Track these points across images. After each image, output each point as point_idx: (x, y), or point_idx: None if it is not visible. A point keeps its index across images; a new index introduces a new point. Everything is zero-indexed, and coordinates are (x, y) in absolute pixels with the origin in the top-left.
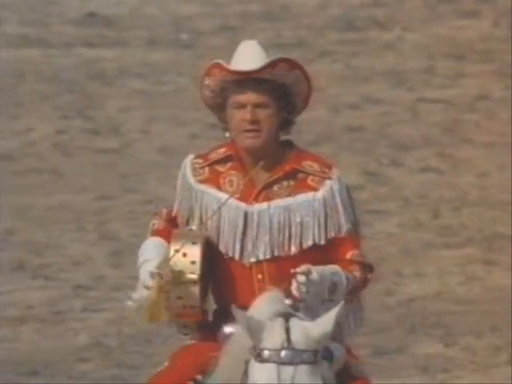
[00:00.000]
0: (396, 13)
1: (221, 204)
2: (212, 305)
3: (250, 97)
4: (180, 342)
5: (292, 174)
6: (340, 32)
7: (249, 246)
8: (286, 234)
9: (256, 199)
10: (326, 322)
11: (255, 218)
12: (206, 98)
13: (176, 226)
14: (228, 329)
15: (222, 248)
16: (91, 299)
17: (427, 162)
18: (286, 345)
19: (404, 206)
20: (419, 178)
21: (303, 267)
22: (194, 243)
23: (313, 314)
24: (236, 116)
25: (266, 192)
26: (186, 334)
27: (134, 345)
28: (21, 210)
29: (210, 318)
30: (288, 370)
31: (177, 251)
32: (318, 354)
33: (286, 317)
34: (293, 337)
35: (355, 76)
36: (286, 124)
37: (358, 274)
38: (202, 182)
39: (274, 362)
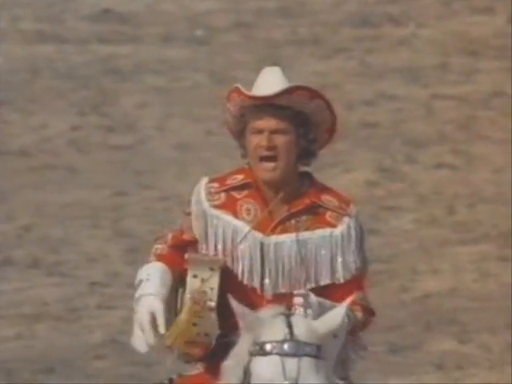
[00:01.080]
0: (410, 9)
1: (242, 238)
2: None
3: (267, 122)
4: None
5: (311, 208)
6: (355, 28)
7: (267, 279)
8: (303, 270)
9: (273, 231)
10: (331, 318)
11: (272, 249)
12: (228, 123)
13: (182, 251)
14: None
15: (239, 277)
16: (106, 296)
17: (442, 159)
18: (288, 337)
19: (419, 202)
20: (434, 175)
21: (301, 290)
22: (211, 269)
23: None
24: (253, 142)
25: (283, 224)
26: (187, 362)
27: None
28: (36, 206)
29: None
30: (292, 362)
31: (195, 277)
32: (321, 349)
33: (288, 315)
34: (295, 330)
35: (370, 72)
36: (305, 155)
37: (359, 314)
38: (217, 207)
39: (277, 353)
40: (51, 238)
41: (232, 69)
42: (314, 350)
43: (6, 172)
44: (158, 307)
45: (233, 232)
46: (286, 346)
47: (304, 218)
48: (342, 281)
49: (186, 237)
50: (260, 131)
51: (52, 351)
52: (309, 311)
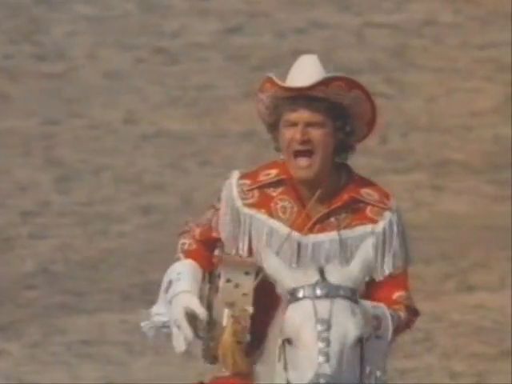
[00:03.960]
0: None
1: (284, 240)
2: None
3: (301, 115)
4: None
5: (350, 204)
6: None
7: None
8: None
9: (311, 230)
10: (361, 254)
11: (309, 250)
12: (261, 114)
13: (210, 247)
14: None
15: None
16: (38, 226)
17: (374, 87)
18: (320, 280)
19: None
20: None
21: None
22: (246, 273)
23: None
24: (286, 135)
25: (322, 223)
26: (211, 363)
27: (81, 271)
28: None
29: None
30: (324, 304)
31: (228, 281)
32: (356, 294)
33: (321, 264)
34: (327, 274)
35: (301, 0)
36: (343, 148)
37: (402, 314)
38: (250, 205)
39: (308, 297)
40: None
41: None
42: (348, 292)
43: None
44: (194, 301)
45: (268, 232)
46: (317, 289)
47: (343, 214)
48: (381, 278)
49: (215, 234)
50: (294, 124)
51: None
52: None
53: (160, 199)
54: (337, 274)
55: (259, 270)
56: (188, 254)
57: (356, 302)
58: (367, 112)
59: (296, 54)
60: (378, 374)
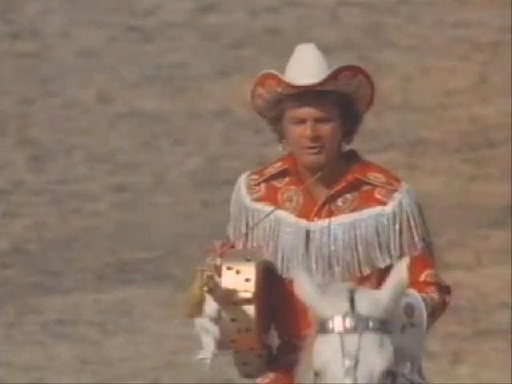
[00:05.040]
0: None
1: (264, 216)
2: (276, 340)
3: (310, 111)
4: None
5: (356, 186)
6: None
7: (313, 269)
8: (355, 254)
9: (318, 215)
10: (394, 279)
11: (317, 236)
12: (258, 108)
13: None
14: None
15: (282, 271)
16: (11, 204)
17: None
18: (350, 311)
19: None
20: None
21: (347, 284)
22: (247, 260)
23: (395, 344)
24: (295, 132)
25: (328, 206)
26: (248, 377)
27: (55, 250)
28: None
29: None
30: (353, 339)
31: (229, 269)
32: (387, 323)
33: (352, 290)
34: (358, 304)
35: None
36: (347, 133)
37: (435, 295)
38: (257, 199)
39: (338, 331)
40: None
41: None
42: (377, 324)
43: None
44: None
45: (275, 223)
46: (346, 322)
47: (349, 197)
48: (397, 261)
49: (236, 245)
50: (302, 120)
51: None
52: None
53: (133, 178)
54: (367, 303)
55: (266, 261)
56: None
57: (386, 332)
58: (368, 94)
59: (269, 32)
60: (418, 362)
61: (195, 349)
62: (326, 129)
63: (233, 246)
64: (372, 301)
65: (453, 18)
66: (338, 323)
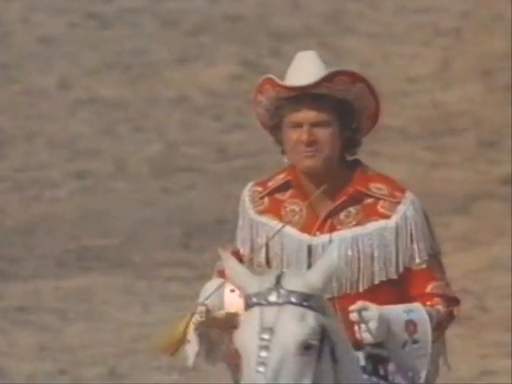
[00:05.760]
0: None
1: (273, 234)
2: None
3: (306, 115)
4: None
5: (358, 198)
6: None
7: None
8: (355, 269)
9: (320, 229)
10: (323, 261)
11: (320, 251)
12: (260, 117)
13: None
14: None
15: None
16: None
17: None
18: (274, 287)
19: None
20: None
21: (357, 304)
22: None
23: (397, 361)
24: (291, 137)
25: (331, 221)
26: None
27: (16, 237)
28: None
29: None
30: (271, 311)
31: (232, 291)
32: (311, 300)
33: (283, 271)
34: (283, 280)
35: None
36: (351, 144)
37: (441, 307)
38: (261, 212)
39: (257, 304)
40: None
41: None
42: (300, 299)
43: None
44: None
45: (279, 238)
46: (268, 296)
47: (353, 210)
48: (405, 275)
49: (242, 251)
50: (298, 125)
51: None
52: (372, 327)
53: (93, 165)
54: (293, 280)
55: None
56: (219, 274)
57: (311, 308)
58: (370, 105)
59: (229, 19)
60: (420, 377)
61: (154, 336)
62: (322, 133)
63: (239, 256)
64: (298, 277)
65: (414, 3)
66: (259, 297)
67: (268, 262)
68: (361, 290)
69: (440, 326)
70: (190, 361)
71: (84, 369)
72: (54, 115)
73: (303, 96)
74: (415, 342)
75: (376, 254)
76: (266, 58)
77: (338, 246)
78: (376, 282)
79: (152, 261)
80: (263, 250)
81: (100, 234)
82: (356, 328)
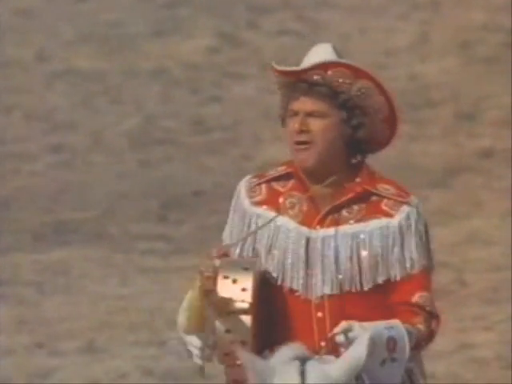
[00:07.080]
0: None
1: (262, 225)
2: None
3: (302, 103)
4: None
5: (364, 197)
6: None
7: (313, 279)
8: (356, 267)
9: (321, 224)
10: (350, 357)
11: (319, 245)
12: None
13: None
14: None
15: (280, 279)
16: None
17: (286, 25)
18: None
19: (262, 69)
20: (277, 41)
21: (341, 325)
22: (245, 269)
23: (373, 378)
24: (289, 126)
25: (333, 216)
26: (221, 363)
27: None
28: None
29: None
30: None
31: (226, 278)
32: None
33: (303, 360)
34: (308, 380)
35: None
36: (355, 145)
37: (422, 327)
38: (258, 203)
39: None
40: None
41: None
42: None
43: None
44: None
45: (274, 229)
46: None
47: (356, 207)
48: (398, 278)
49: (231, 251)
50: (296, 114)
51: None
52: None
53: (71, 138)
54: (317, 376)
55: (263, 273)
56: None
57: None
58: (381, 107)
59: None
60: None
61: (131, 310)
62: (317, 124)
63: (226, 254)
64: (322, 377)
65: None
66: None
67: (255, 252)
68: (365, 288)
69: (419, 346)
70: (198, 360)
71: (61, 342)
72: (30, 88)
73: (302, 84)
74: (393, 360)
75: (377, 252)
76: (243, 31)
77: (368, 339)
78: (379, 281)
79: (129, 234)
80: (251, 242)
81: (77, 207)
82: (342, 350)
